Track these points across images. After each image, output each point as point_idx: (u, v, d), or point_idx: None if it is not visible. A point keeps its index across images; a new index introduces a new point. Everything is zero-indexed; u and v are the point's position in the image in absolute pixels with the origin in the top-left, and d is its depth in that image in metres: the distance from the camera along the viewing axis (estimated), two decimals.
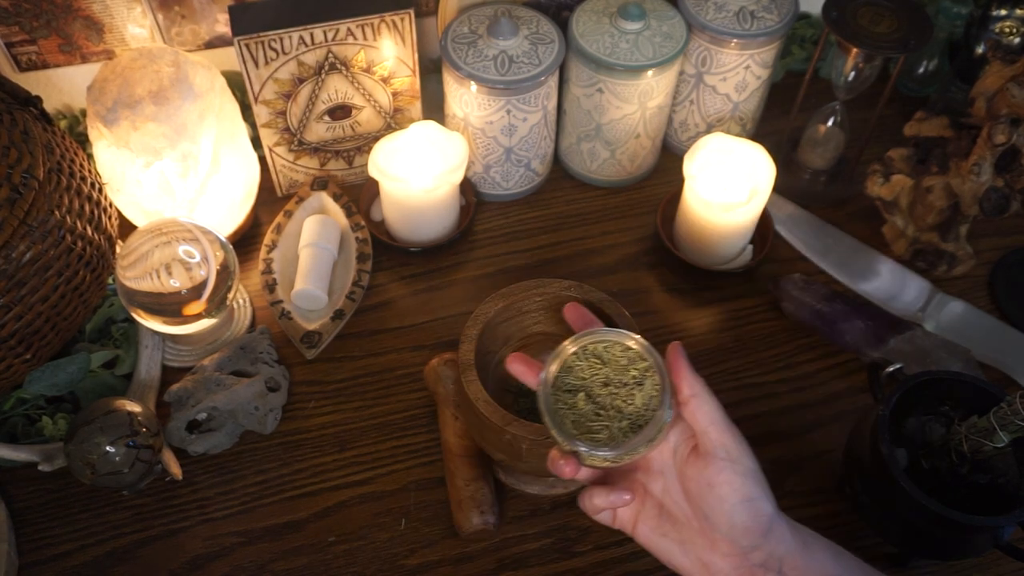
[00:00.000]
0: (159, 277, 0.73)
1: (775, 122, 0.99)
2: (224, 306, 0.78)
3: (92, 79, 0.78)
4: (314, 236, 0.86)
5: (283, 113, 0.86)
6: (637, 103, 0.87)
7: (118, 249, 0.79)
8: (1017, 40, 0.89)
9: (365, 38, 0.82)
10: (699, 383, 0.47)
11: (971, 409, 0.64)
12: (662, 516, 0.51)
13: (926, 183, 0.84)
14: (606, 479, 0.52)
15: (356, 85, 0.86)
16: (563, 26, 0.87)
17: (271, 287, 0.85)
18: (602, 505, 0.50)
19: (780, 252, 0.90)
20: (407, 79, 0.87)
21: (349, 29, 0.81)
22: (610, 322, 0.69)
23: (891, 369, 0.69)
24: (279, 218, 0.89)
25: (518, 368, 0.53)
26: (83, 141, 0.87)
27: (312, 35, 0.80)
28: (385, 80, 0.87)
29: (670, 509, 0.50)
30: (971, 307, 0.86)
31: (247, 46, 0.79)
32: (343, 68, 0.84)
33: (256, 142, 0.89)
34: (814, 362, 0.83)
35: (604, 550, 0.72)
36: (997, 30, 0.90)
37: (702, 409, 0.47)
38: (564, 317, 0.56)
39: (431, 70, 0.96)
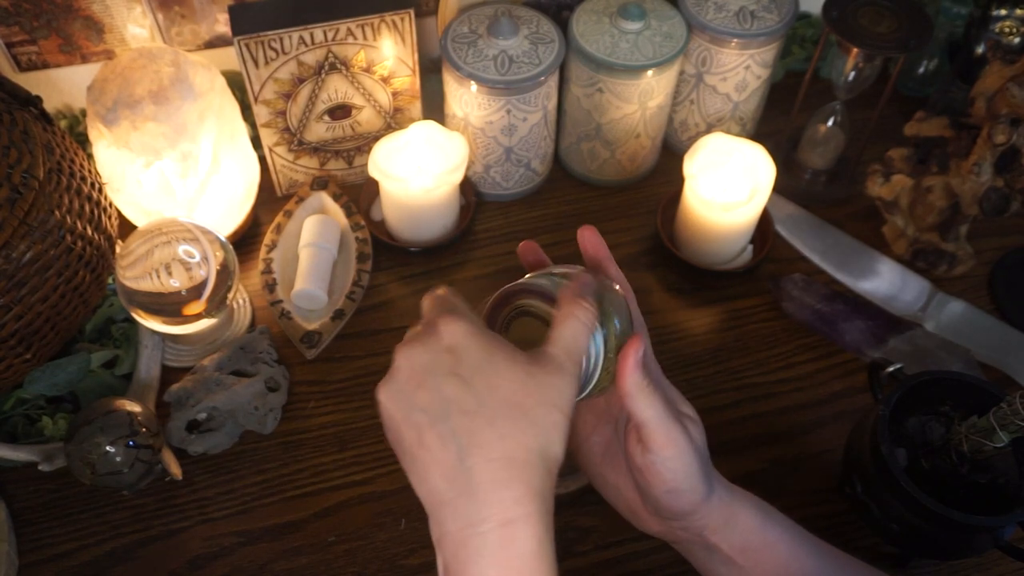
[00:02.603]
0: (159, 277, 0.73)
1: (775, 122, 0.99)
2: (224, 306, 0.78)
3: (92, 79, 0.78)
4: (314, 236, 0.86)
5: (283, 113, 0.86)
6: (637, 103, 0.87)
7: (118, 249, 0.79)
8: (1017, 40, 0.89)
9: (365, 38, 0.82)
10: (638, 381, 0.47)
11: (971, 409, 0.64)
12: (606, 455, 0.53)
13: (926, 183, 0.84)
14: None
15: (356, 85, 0.86)
16: (563, 26, 0.87)
17: (271, 287, 0.85)
18: None
19: (780, 252, 0.90)
20: (407, 79, 0.87)
21: (349, 29, 0.81)
22: None
23: (891, 369, 0.69)
24: (279, 218, 0.89)
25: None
26: (83, 141, 0.87)
27: (312, 35, 0.80)
28: (385, 80, 0.87)
29: (614, 451, 0.52)
30: (971, 307, 0.86)
31: (247, 46, 0.79)
32: (343, 68, 0.84)
33: (256, 142, 0.89)
34: (814, 362, 0.83)
35: (604, 550, 0.72)
36: (997, 30, 0.90)
37: (636, 408, 0.47)
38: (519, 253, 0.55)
39: (431, 70, 0.96)
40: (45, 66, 0.88)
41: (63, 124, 0.92)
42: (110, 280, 0.79)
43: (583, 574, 0.71)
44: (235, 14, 0.80)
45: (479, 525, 0.40)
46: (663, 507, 0.49)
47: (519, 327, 0.49)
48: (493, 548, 0.40)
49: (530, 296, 0.48)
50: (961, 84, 0.94)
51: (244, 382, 0.77)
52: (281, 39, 0.79)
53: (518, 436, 0.41)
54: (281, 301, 0.84)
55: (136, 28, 0.87)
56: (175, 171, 0.78)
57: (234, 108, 0.83)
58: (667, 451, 0.47)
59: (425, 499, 0.43)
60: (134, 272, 0.74)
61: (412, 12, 0.81)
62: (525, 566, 0.40)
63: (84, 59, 0.89)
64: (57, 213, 0.69)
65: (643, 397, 0.47)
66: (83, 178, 0.74)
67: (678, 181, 0.86)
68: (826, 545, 0.54)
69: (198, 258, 0.75)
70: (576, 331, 0.45)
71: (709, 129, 0.95)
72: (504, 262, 0.90)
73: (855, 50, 0.82)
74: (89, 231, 0.73)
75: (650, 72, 0.84)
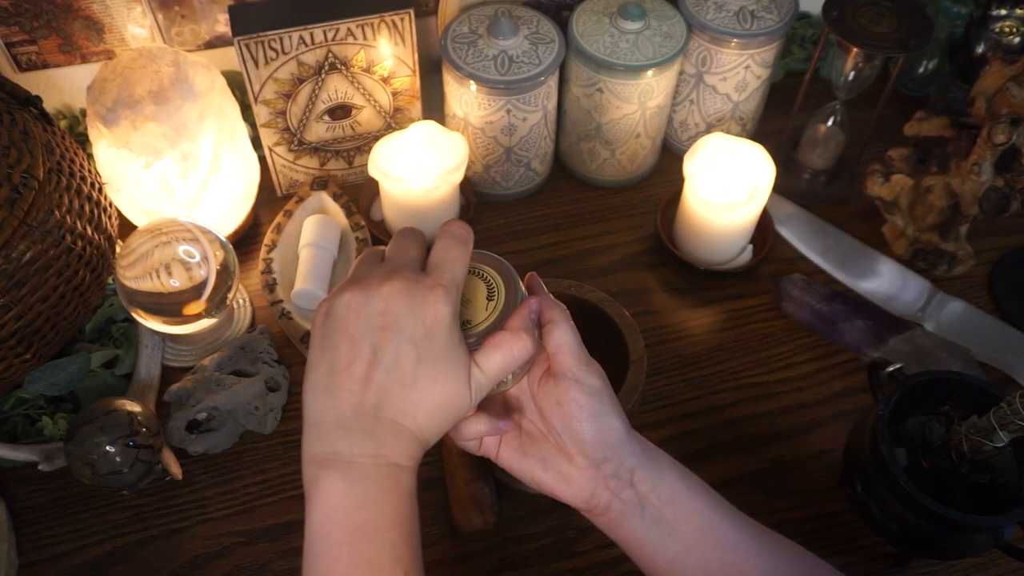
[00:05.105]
0: (159, 277, 0.73)
1: (775, 122, 0.99)
2: (224, 306, 0.78)
3: (92, 79, 0.78)
4: (314, 236, 0.86)
5: (283, 113, 0.86)
6: (637, 103, 0.87)
7: (118, 249, 0.79)
8: (1017, 40, 0.89)
9: (365, 38, 0.82)
10: (555, 310, 0.51)
11: (971, 409, 0.63)
12: (523, 437, 0.54)
13: (926, 183, 0.84)
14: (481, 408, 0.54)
15: (356, 85, 0.86)
16: (563, 26, 0.87)
17: (271, 287, 0.85)
18: (473, 434, 0.53)
19: (780, 252, 0.90)
20: (407, 79, 0.87)
21: (349, 29, 0.81)
22: (610, 322, 0.69)
23: (891, 369, 0.69)
24: (279, 218, 0.89)
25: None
26: (83, 141, 0.87)
27: (312, 35, 0.80)
28: (385, 80, 0.87)
29: (529, 430, 0.54)
30: (971, 307, 0.86)
31: (247, 46, 0.79)
32: (343, 68, 0.84)
33: (256, 142, 0.89)
34: (814, 362, 0.83)
35: (604, 550, 0.72)
36: (997, 30, 0.90)
37: (553, 334, 0.50)
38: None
39: (431, 70, 0.96)
40: (45, 66, 0.88)
41: (63, 124, 0.92)
42: (110, 280, 0.79)
43: (583, 574, 0.71)
44: (235, 14, 0.80)
45: (375, 457, 0.46)
46: (588, 441, 0.50)
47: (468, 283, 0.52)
48: (382, 477, 0.46)
49: (486, 261, 0.52)
50: (961, 84, 0.94)
51: (244, 382, 0.77)
52: (281, 39, 0.79)
53: (430, 427, 0.48)
54: (281, 301, 0.84)
55: (136, 28, 0.87)
56: (175, 171, 0.78)
57: (234, 108, 0.83)
58: (582, 371, 0.50)
59: (319, 411, 0.47)
60: (134, 272, 0.74)
61: (412, 12, 0.81)
62: (405, 499, 0.46)
63: (84, 59, 0.89)
64: (57, 213, 0.69)
65: (559, 323, 0.50)
66: (83, 178, 0.74)
67: (678, 181, 0.86)
68: (734, 507, 0.54)
69: (198, 258, 0.75)
70: (505, 362, 0.48)
71: (709, 129, 0.95)
72: None
73: (855, 50, 0.82)
74: (89, 231, 0.73)
75: (650, 72, 0.84)
